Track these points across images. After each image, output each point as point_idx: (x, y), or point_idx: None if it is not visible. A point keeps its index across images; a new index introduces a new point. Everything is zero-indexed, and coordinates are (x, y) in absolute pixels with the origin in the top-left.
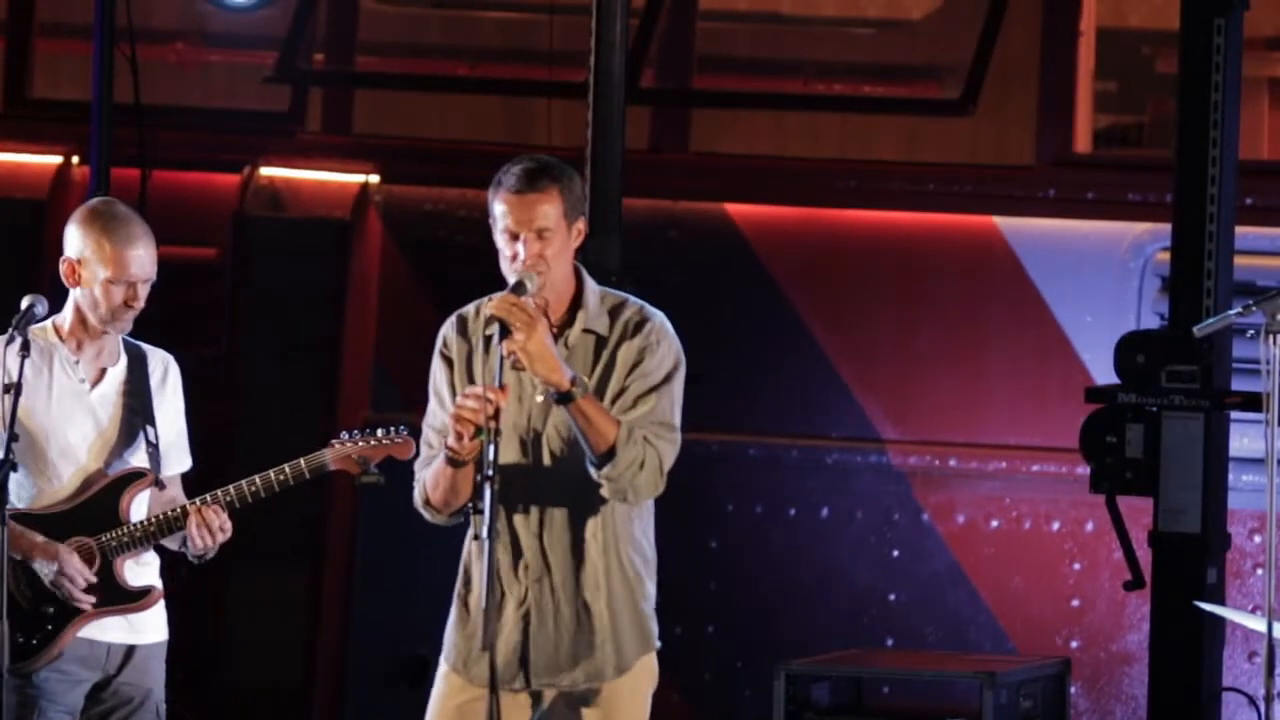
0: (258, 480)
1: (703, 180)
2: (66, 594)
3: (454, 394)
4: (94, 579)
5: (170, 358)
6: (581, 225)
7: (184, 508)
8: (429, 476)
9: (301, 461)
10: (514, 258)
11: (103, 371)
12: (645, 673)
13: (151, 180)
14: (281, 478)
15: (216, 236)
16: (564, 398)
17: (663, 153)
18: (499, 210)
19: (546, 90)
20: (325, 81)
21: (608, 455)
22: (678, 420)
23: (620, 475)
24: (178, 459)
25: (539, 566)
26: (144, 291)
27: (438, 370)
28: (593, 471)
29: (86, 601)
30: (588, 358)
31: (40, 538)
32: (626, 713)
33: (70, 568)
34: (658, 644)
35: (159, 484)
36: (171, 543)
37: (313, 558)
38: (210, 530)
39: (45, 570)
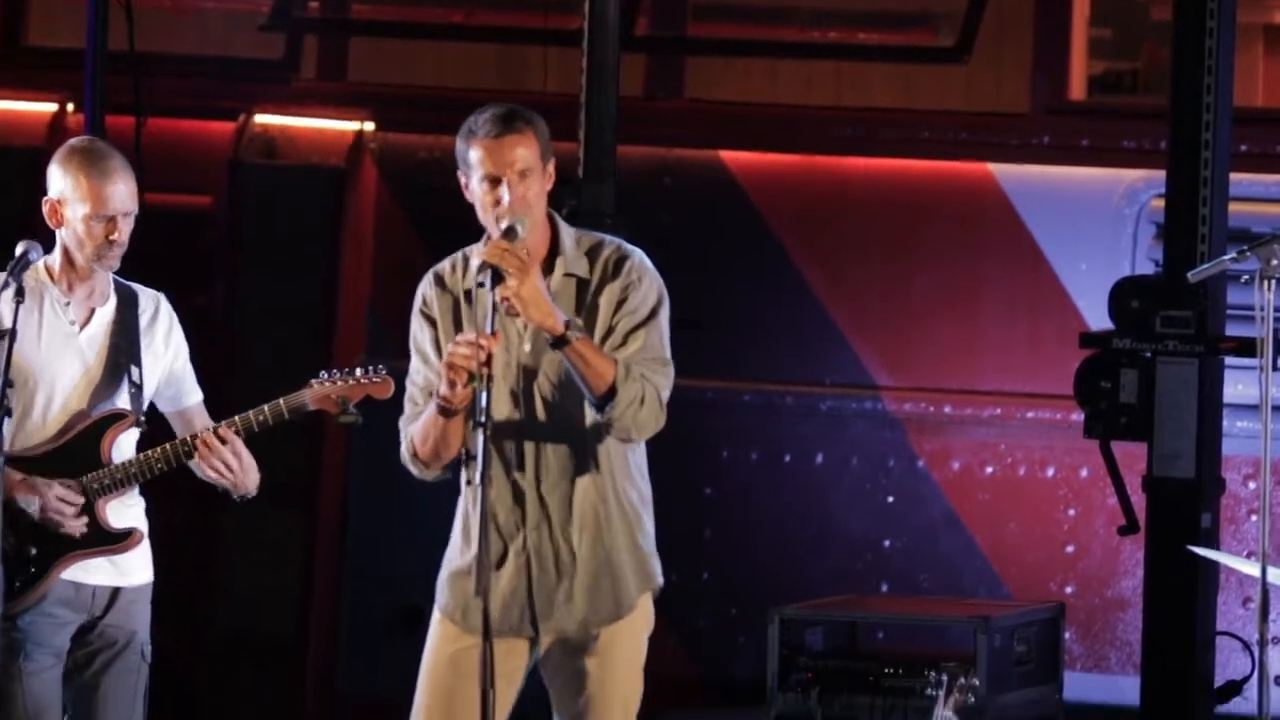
0: (237, 420)
1: (697, 127)
2: (57, 525)
3: (439, 351)
4: (80, 500)
5: (161, 296)
6: (552, 169)
7: (168, 446)
8: (417, 430)
9: (281, 401)
10: (496, 203)
11: (91, 312)
12: (643, 615)
13: (147, 128)
14: (261, 418)
15: (211, 184)
16: (559, 341)
17: (658, 100)
18: (475, 157)
19: (541, 37)
20: (320, 29)
21: (608, 395)
22: (668, 353)
23: (623, 414)
24: (190, 390)
25: (537, 513)
26: (126, 225)
27: (419, 329)
28: (594, 413)
29: (79, 527)
30: (571, 302)
31: (19, 475)
32: (624, 656)
33: (53, 499)
34: (660, 581)
35: (140, 423)
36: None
37: (306, 503)
38: (218, 460)
39: (30, 506)
